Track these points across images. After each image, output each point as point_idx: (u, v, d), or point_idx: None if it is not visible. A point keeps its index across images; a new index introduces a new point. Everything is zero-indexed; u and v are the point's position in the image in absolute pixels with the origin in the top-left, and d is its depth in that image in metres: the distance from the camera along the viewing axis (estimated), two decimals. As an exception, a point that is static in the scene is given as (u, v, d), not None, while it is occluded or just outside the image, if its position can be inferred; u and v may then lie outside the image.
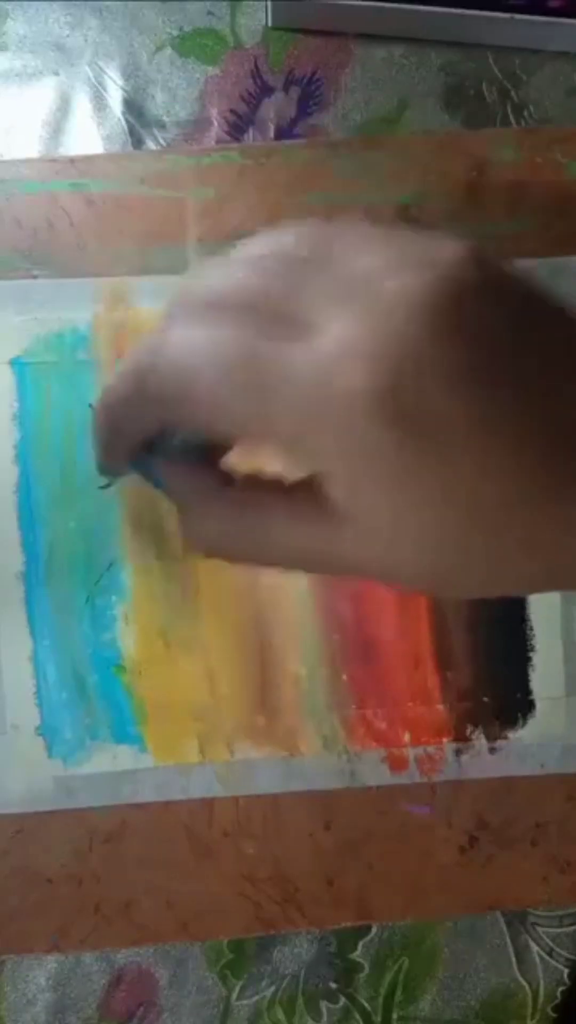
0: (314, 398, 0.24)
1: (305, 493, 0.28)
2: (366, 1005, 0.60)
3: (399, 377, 0.24)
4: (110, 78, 0.61)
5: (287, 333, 0.26)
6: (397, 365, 0.24)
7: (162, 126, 0.61)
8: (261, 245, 0.30)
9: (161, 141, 0.60)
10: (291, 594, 0.54)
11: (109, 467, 0.34)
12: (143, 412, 0.29)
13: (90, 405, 0.30)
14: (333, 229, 0.30)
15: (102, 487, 0.53)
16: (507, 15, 0.60)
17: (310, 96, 0.62)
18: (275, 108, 0.62)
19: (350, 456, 0.25)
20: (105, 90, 0.61)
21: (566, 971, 0.60)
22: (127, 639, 0.54)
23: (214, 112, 0.61)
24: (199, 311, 0.28)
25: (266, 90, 0.62)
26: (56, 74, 0.62)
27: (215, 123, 0.61)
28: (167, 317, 0.29)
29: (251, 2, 0.62)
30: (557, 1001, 0.60)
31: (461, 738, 0.55)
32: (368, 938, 0.60)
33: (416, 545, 0.26)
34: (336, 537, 0.27)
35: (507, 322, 0.25)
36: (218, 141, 0.60)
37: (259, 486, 0.30)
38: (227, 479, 0.31)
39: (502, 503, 0.25)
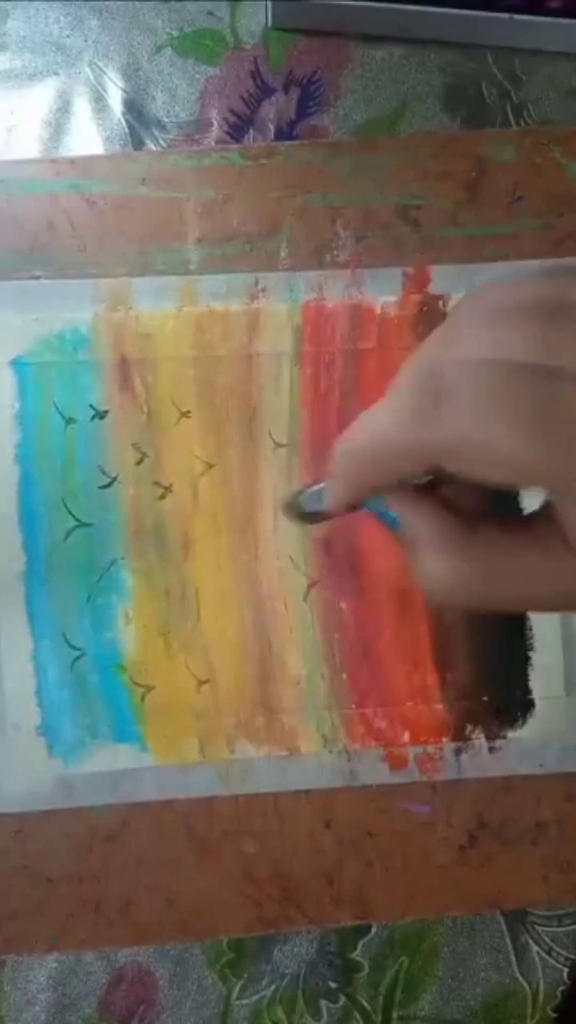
0: None
1: (547, 528, 0.27)
2: (366, 1004, 0.60)
3: None
4: (110, 78, 0.61)
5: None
6: None
7: (162, 127, 0.61)
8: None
9: (161, 142, 0.60)
10: (291, 594, 0.54)
11: (341, 507, 0.32)
12: (421, 459, 0.27)
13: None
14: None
15: (103, 487, 0.53)
16: (507, 15, 0.60)
17: (310, 97, 0.62)
18: (275, 109, 0.62)
19: None
20: (105, 90, 0.61)
21: (566, 971, 0.61)
22: (127, 638, 0.54)
23: (214, 113, 0.62)
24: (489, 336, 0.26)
25: (266, 91, 0.62)
26: (56, 74, 0.62)
27: (215, 124, 0.61)
28: (456, 329, 0.27)
29: (251, 2, 0.62)
30: (557, 1001, 0.60)
31: (461, 737, 0.55)
32: (368, 937, 0.60)
33: None
34: None
35: None
36: (218, 142, 0.60)
37: (503, 526, 0.29)
38: (467, 517, 0.29)
39: None
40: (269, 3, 0.60)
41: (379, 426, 0.27)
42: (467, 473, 0.25)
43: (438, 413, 0.25)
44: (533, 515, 0.28)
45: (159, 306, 0.54)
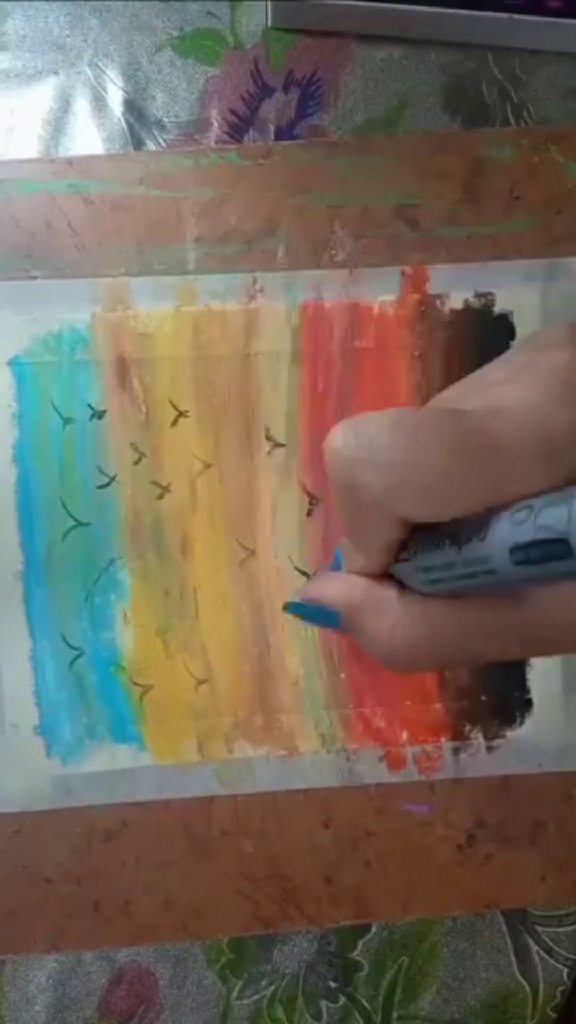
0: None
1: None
2: (366, 1004, 0.60)
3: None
4: (110, 78, 0.61)
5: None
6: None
7: (162, 127, 0.61)
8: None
9: (161, 142, 0.60)
10: (290, 593, 0.54)
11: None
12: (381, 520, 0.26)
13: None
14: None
15: (101, 486, 0.53)
16: (507, 15, 0.60)
17: (310, 97, 0.62)
18: (275, 109, 0.62)
19: None
20: (105, 90, 0.61)
21: (566, 971, 0.60)
22: (126, 638, 0.54)
23: (214, 113, 0.61)
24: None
25: (266, 91, 0.62)
26: (56, 74, 0.62)
27: (215, 124, 0.61)
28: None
29: (251, 2, 0.62)
30: (557, 1001, 0.60)
31: (459, 737, 0.55)
32: (368, 937, 0.60)
33: None
34: (530, 610, 0.25)
35: None
36: (218, 141, 0.60)
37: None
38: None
39: None
40: (269, 3, 0.60)
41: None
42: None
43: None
44: None
45: (157, 306, 0.54)
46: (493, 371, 0.27)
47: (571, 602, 0.24)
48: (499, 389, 0.25)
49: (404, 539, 0.27)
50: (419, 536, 0.27)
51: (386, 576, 0.29)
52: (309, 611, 0.31)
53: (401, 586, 0.28)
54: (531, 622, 0.25)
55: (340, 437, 0.26)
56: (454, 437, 0.24)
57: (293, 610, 0.32)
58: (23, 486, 0.53)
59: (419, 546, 0.27)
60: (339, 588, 0.30)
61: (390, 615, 0.28)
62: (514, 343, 0.28)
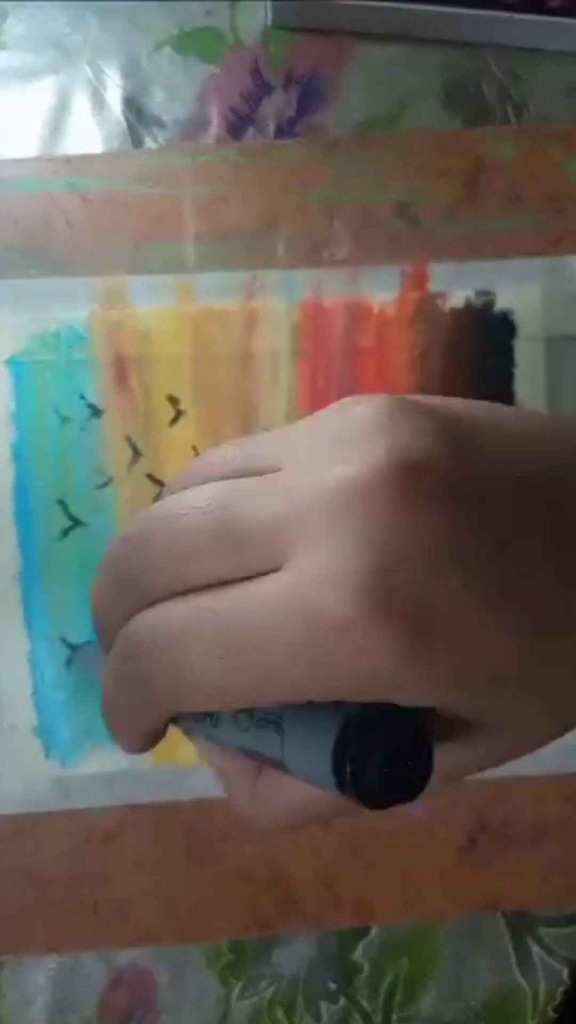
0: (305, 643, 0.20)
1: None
2: (366, 1006, 0.60)
3: (385, 579, 0.19)
4: (109, 77, 0.61)
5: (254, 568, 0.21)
6: (378, 568, 0.20)
7: (161, 125, 0.61)
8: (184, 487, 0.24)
9: (161, 140, 0.60)
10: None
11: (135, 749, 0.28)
12: (145, 710, 0.24)
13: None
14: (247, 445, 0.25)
15: (99, 486, 0.53)
16: (507, 14, 0.59)
17: (310, 95, 0.62)
18: (275, 107, 0.62)
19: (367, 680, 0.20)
20: (104, 89, 0.61)
21: (566, 971, 0.60)
22: (125, 639, 0.54)
23: (214, 111, 0.61)
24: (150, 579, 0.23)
25: (266, 89, 0.62)
26: (56, 73, 0.62)
27: (215, 122, 0.61)
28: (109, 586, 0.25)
29: (251, 1, 0.62)
30: (557, 1001, 0.60)
31: (460, 738, 0.55)
32: (368, 939, 0.60)
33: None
34: None
35: (493, 475, 0.21)
36: (218, 140, 0.60)
37: None
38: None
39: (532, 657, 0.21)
40: (269, 2, 0.60)
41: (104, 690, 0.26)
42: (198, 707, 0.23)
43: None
44: None
45: (156, 304, 0.54)
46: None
47: None
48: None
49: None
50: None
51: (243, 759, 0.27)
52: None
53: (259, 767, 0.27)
54: None
55: None
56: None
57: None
58: (21, 486, 0.53)
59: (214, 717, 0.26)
60: (215, 758, 0.29)
61: (245, 802, 0.27)
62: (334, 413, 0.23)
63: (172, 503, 0.23)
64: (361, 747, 0.21)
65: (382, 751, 0.21)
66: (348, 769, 0.21)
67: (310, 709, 0.22)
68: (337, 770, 0.21)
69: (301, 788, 0.25)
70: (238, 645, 0.21)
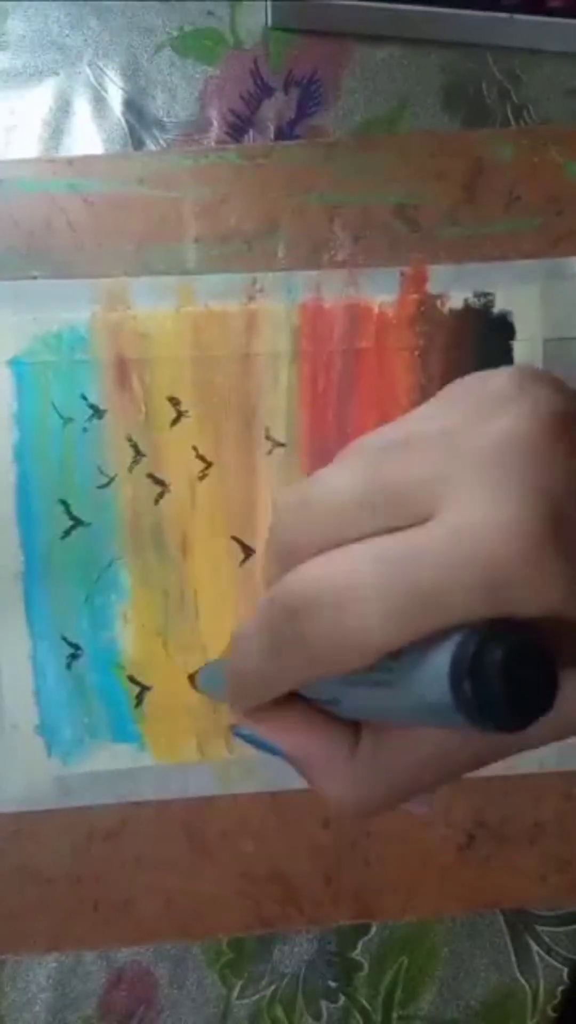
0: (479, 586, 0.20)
1: None
2: (366, 1004, 0.60)
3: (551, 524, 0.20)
4: (110, 78, 0.62)
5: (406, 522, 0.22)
6: (544, 512, 0.20)
7: (162, 126, 0.61)
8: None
9: (161, 142, 0.60)
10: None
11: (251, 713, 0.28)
12: (291, 675, 0.24)
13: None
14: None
15: (101, 486, 0.53)
16: (507, 15, 0.60)
17: (310, 96, 0.62)
18: (275, 108, 0.62)
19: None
20: (105, 90, 0.61)
21: (566, 971, 0.60)
22: (126, 638, 0.54)
23: (214, 112, 0.62)
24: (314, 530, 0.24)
25: (266, 90, 0.62)
26: (56, 74, 0.62)
27: (215, 123, 0.61)
28: (281, 544, 0.25)
29: (251, 2, 0.62)
30: (557, 1001, 0.60)
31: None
32: (368, 937, 0.60)
33: None
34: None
35: None
36: (218, 141, 0.60)
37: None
38: (349, 726, 0.26)
39: None
40: (269, 3, 0.60)
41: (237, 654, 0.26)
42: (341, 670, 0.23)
43: None
44: None
45: (157, 306, 0.54)
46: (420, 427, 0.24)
47: None
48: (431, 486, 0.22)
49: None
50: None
51: (337, 725, 0.27)
52: (259, 742, 0.28)
53: (354, 740, 0.26)
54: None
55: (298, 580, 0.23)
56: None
57: (242, 736, 0.29)
58: (23, 486, 0.53)
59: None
60: (294, 740, 0.27)
61: (339, 784, 0.26)
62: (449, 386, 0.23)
63: (324, 471, 0.24)
64: (479, 662, 0.20)
65: (502, 666, 0.20)
66: (467, 686, 0.20)
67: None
68: (455, 685, 0.20)
69: (407, 750, 0.25)
70: (407, 591, 0.21)
